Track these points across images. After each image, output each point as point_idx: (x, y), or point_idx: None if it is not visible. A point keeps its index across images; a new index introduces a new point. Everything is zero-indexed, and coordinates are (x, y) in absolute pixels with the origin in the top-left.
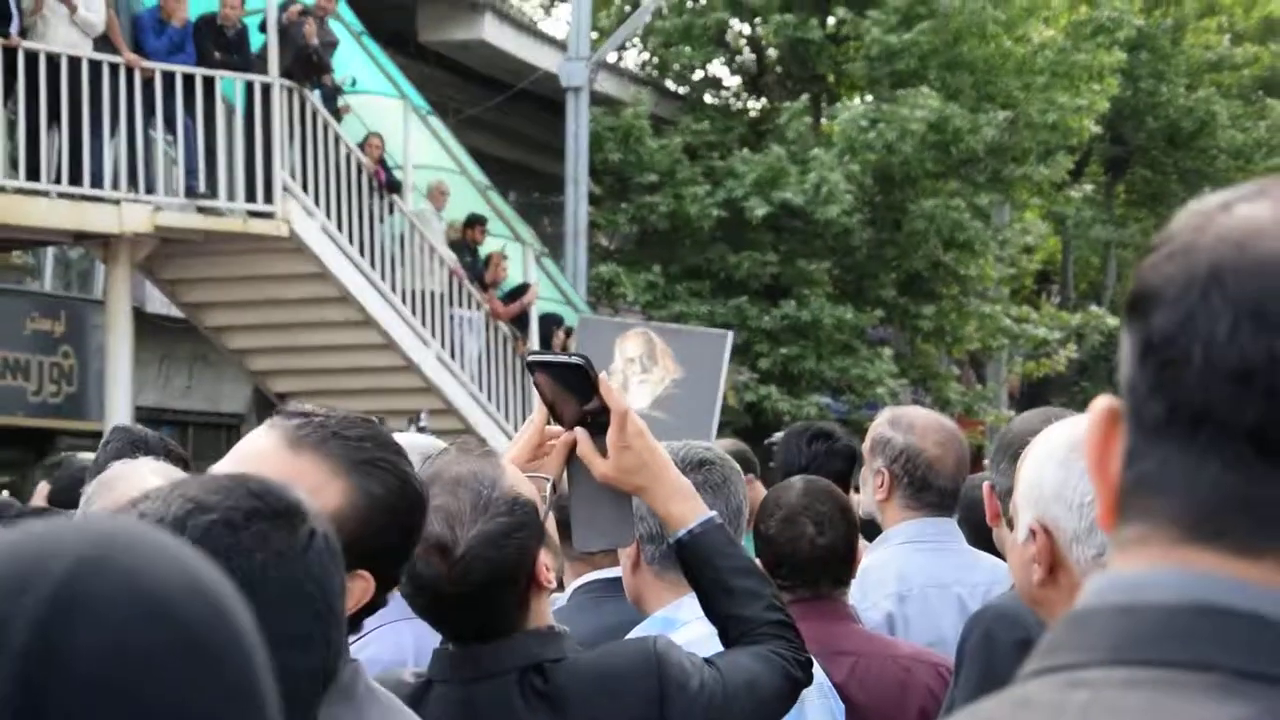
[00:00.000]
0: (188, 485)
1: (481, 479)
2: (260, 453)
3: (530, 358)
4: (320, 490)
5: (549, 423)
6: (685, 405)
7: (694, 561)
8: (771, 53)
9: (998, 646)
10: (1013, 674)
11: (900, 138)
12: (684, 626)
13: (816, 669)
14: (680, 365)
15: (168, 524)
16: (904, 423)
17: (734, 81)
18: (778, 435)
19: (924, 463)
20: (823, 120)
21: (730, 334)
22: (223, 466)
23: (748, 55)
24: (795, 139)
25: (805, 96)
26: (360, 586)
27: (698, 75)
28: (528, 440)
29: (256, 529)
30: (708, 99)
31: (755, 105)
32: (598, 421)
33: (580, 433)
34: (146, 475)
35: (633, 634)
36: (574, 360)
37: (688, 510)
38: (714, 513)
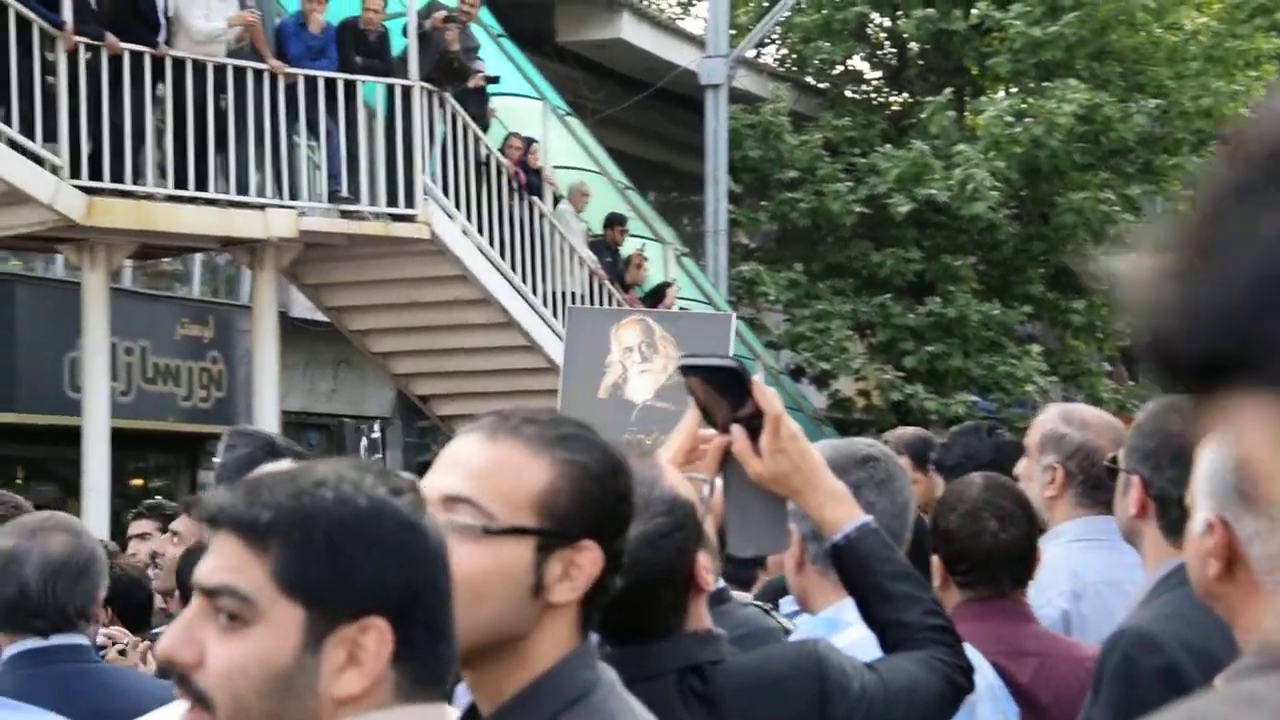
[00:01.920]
0: (363, 470)
1: (640, 479)
2: (463, 450)
3: (681, 361)
4: (526, 468)
5: (701, 426)
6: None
7: (850, 566)
8: (913, 46)
9: (1139, 674)
10: (1156, 704)
11: (1047, 132)
12: (849, 628)
13: (989, 671)
14: (681, 351)
15: (368, 507)
16: (1077, 420)
17: (875, 76)
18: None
19: (1100, 460)
20: (966, 114)
21: (733, 315)
22: (434, 470)
23: (888, 49)
24: (938, 134)
25: (948, 90)
26: (589, 558)
27: (837, 70)
28: (680, 444)
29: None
30: (848, 94)
31: (897, 100)
32: (750, 425)
33: (737, 431)
34: None
35: (797, 634)
36: (726, 363)
37: (842, 514)
38: (869, 517)
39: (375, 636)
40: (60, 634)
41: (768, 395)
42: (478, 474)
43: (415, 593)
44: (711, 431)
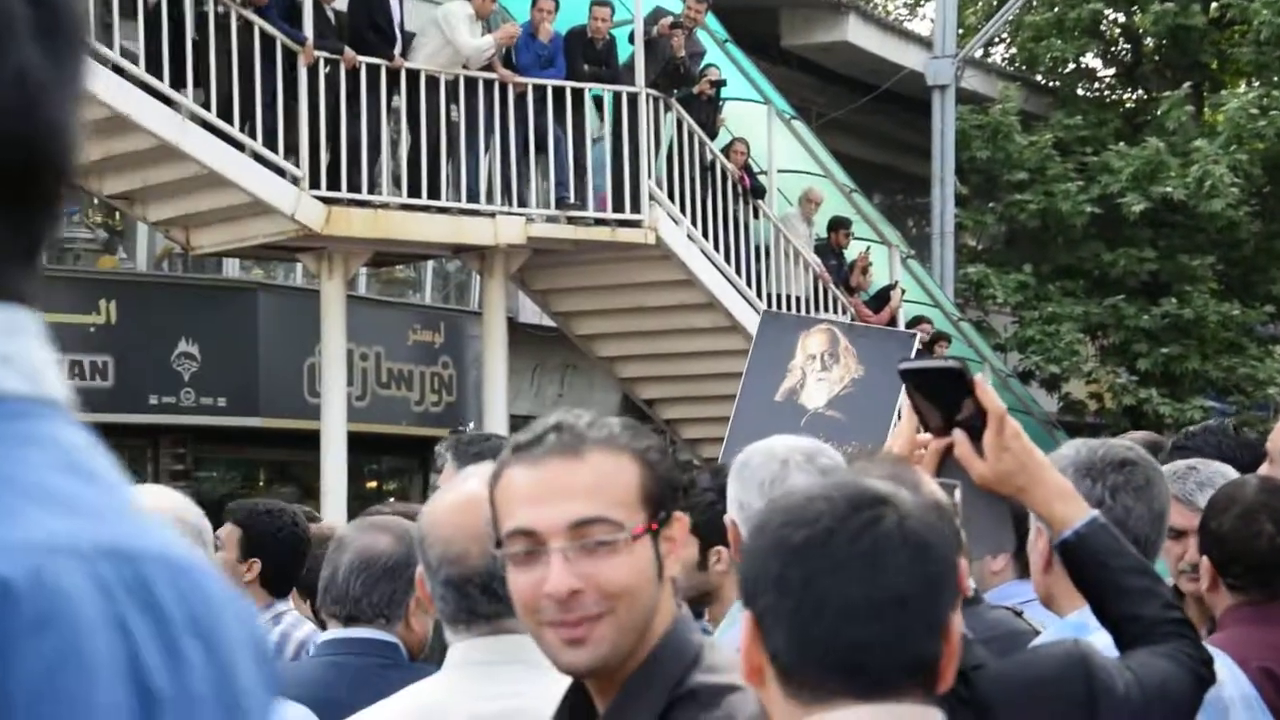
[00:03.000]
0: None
1: (904, 483)
2: (555, 475)
3: (903, 366)
4: (621, 470)
5: (918, 431)
6: (861, 406)
7: (1082, 562)
8: (1149, 42)
9: None
10: None
11: None
12: (1098, 631)
13: (1244, 682)
14: (862, 364)
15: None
16: None
17: (1108, 73)
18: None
19: None
20: (1205, 110)
21: (918, 334)
22: (535, 504)
23: (1122, 45)
24: (1175, 130)
25: (1186, 85)
26: (679, 528)
27: (1069, 68)
28: (900, 449)
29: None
30: (1080, 92)
31: (1130, 97)
32: (969, 427)
33: (959, 435)
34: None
35: (1043, 638)
36: (950, 365)
37: (1071, 510)
38: (1096, 511)
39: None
40: (359, 626)
41: (991, 394)
42: (590, 492)
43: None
44: (927, 436)
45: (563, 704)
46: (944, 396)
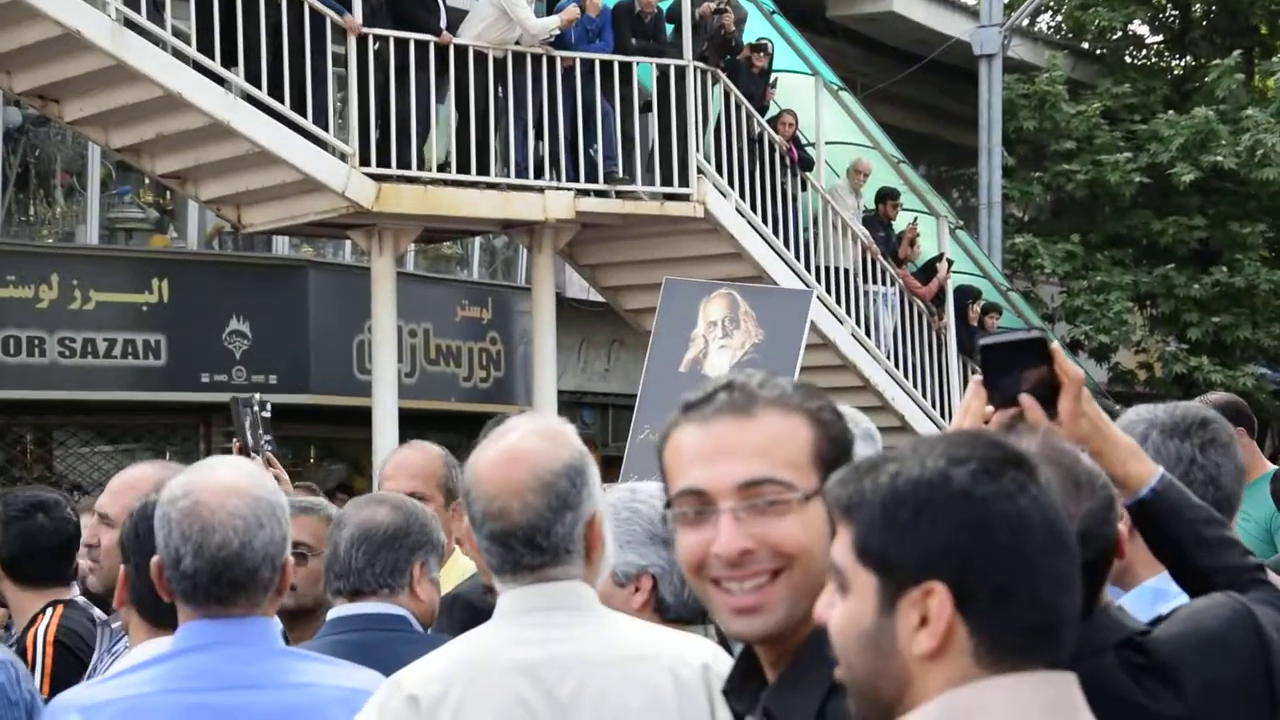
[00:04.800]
0: (932, 442)
1: (1066, 455)
2: (724, 435)
3: (984, 341)
4: (794, 431)
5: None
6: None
7: (1163, 518)
8: (1197, 7)
9: None
10: None
11: None
12: (1178, 597)
13: None
14: (761, 327)
15: (931, 479)
16: None
17: (1156, 39)
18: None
19: None
20: (1255, 76)
21: (813, 292)
22: (699, 463)
23: (1170, 11)
24: (1225, 98)
25: (1236, 52)
26: None
27: (1116, 35)
28: (972, 424)
29: (1012, 474)
30: (1127, 59)
31: (1179, 64)
32: (1037, 394)
33: (1028, 401)
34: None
35: (1127, 603)
36: (1033, 335)
37: (1145, 469)
38: (1161, 468)
39: (937, 600)
40: (365, 599)
41: (1066, 360)
42: (761, 451)
43: (968, 558)
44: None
45: (736, 666)
46: (1016, 367)
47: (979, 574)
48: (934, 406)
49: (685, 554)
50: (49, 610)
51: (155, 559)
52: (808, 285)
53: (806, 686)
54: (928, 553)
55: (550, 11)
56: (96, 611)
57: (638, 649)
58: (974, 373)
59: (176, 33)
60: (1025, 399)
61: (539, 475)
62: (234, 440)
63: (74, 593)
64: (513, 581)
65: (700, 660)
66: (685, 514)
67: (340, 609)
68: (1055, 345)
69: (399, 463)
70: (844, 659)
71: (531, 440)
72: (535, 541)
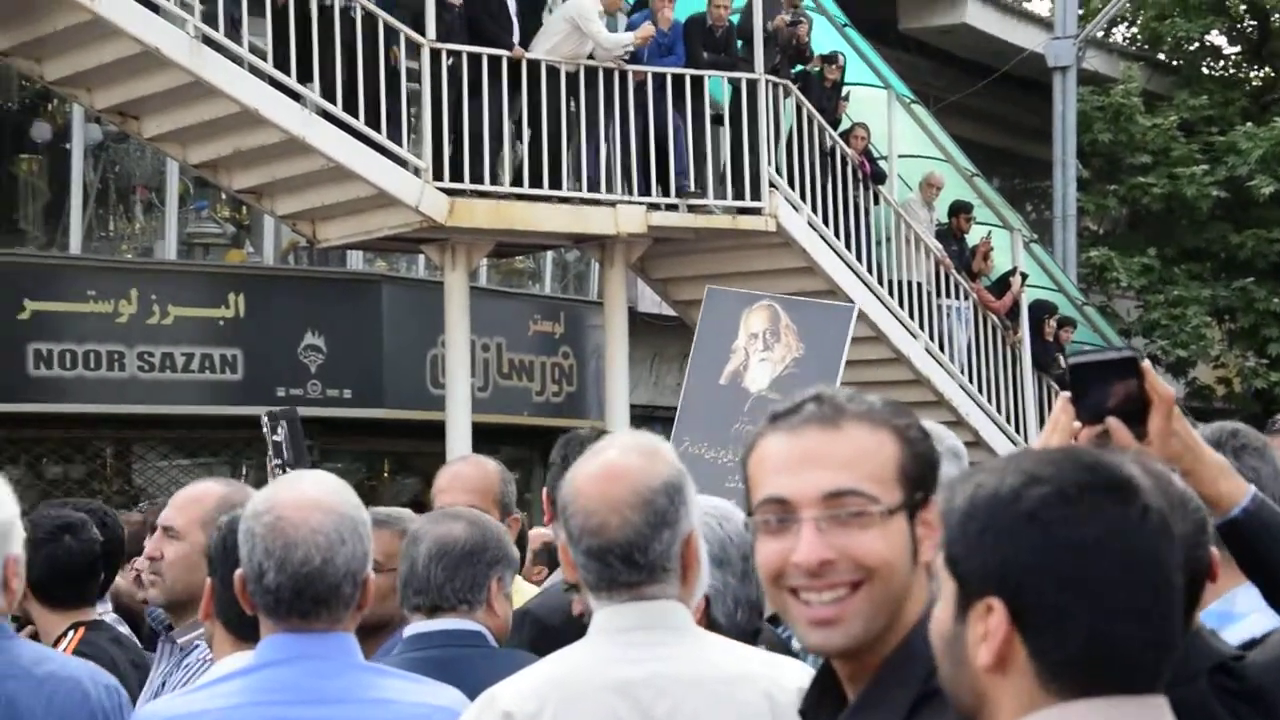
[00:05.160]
0: (1022, 458)
1: (1160, 478)
2: (810, 446)
3: (1074, 360)
4: (880, 445)
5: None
6: (802, 387)
7: (1255, 535)
8: (1276, 18)
9: None
10: None
11: None
12: (1242, 620)
13: None
14: (802, 341)
15: (1004, 496)
16: None
17: (1234, 50)
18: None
19: None
20: None
21: (855, 307)
22: (783, 473)
23: (1249, 22)
24: None
25: None
26: (935, 511)
27: (1193, 46)
28: (1060, 442)
29: (1090, 500)
30: (1205, 71)
31: (1258, 75)
32: (1126, 411)
33: (1115, 423)
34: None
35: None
36: (1126, 354)
37: (1236, 488)
38: (1253, 486)
39: (995, 616)
40: (443, 616)
41: (1158, 379)
42: (846, 463)
43: (1027, 580)
44: (1077, 424)
45: (813, 685)
46: (1106, 385)
47: (1038, 596)
48: (1009, 422)
49: (764, 563)
50: (70, 633)
51: (239, 573)
52: (881, 300)
53: (887, 707)
54: (989, 568)
55: (630, 28)
56: (124, 629)
57: (734, 671)
58: (1050, 389)
59: (253, 49)
60: (1112, 422)
61: (638, 491)
62: (268, 458)
63: (100, 610)
64: (608, 599)
65: (797, 684)
66: (767, 522)
67: (418, 625)
68: (1146, 364)
69: (455, 476)
70: (938, 660)
71: (631, 457)
72: (632, 558)
